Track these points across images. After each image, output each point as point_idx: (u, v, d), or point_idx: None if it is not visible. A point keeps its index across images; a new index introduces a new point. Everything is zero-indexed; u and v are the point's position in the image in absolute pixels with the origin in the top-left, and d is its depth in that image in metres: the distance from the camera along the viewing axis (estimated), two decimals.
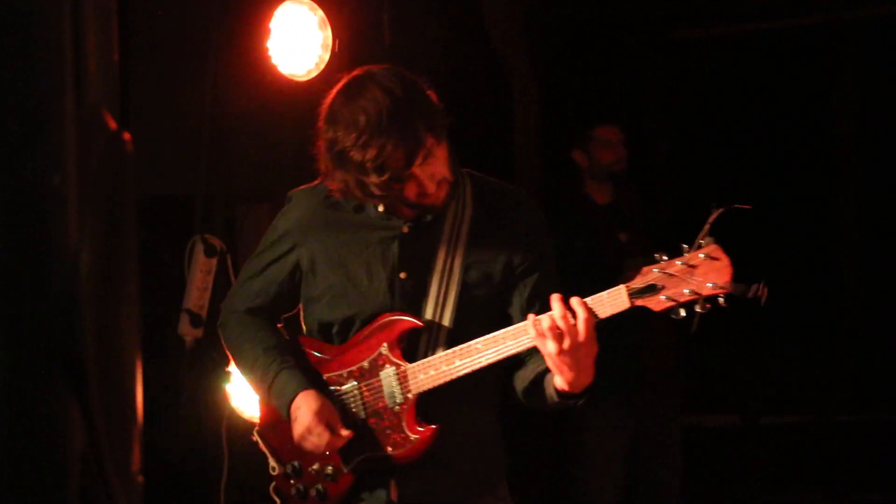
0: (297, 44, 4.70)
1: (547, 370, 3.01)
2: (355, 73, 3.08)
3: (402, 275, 3.16)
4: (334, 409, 3.15)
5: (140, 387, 1.50)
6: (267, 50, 4.67)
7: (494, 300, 3.19)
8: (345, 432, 3.11)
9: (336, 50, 4.75)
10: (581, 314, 2.85)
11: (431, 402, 3.12)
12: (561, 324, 2.86)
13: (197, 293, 4.81)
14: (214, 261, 4.85)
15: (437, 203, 3.08)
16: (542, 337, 2.88)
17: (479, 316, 3.15)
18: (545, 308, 3.05)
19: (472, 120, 6.05)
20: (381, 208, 3.16)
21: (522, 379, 3.16)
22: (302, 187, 3.32)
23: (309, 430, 3.11)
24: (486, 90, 6.57)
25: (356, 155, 2.92)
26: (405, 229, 3.17)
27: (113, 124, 1.43)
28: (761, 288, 2.82)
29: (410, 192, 3.02)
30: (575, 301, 2.88)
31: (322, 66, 4.72)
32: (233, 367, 4.68)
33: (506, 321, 3.14)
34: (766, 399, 7.21)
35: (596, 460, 5.55)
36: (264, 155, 4.96)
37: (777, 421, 7.17)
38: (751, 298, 2.81)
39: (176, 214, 4.95)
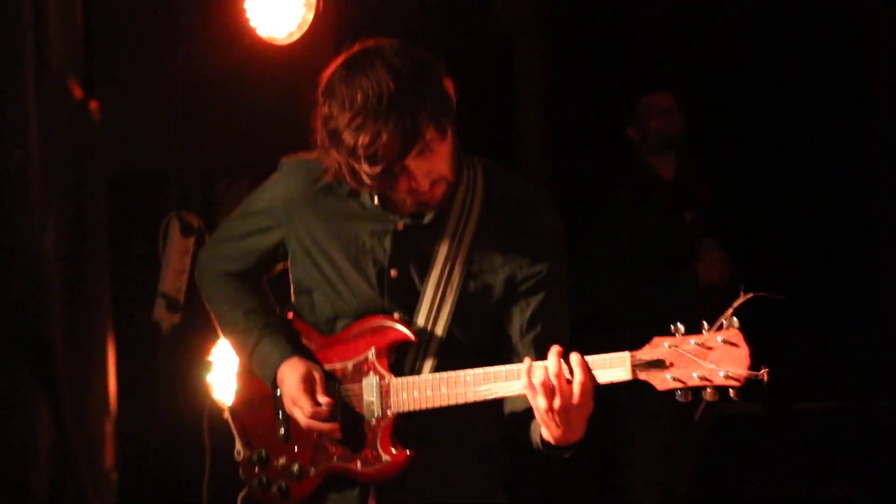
0: (277, 3, 4.70)
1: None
2: (364, 44, 3.00)
3: (393, 272, 3.11)
4: (320, 374, 3.13)
5: (112, 378, 1.50)
6: (244, 11, 4.66)
7: (494, 314, 3.13)
8: (323, 399, 3.08)
9: (320, 10, 4.74)
10: (578, 377, 2.78)
11: (413, 428, 3.08)
12: (555, 382, 2.79)
13: (173, 275, 4.82)
14: (192, 240, 4.85)
15: (431, 202, 3.02)
16: (532, 389, 2.83)
17: (476, 329, 3.11)
18: (546, 331, 3.05)
19: (472, 98, 6.05)
20: (376, 200, 3.11)
21: (511, 408, 3.11)
22: (298, 156, 3.25)
23: (293, 401, 3.11)
24: (487, 58, 6.57)
25: (349, 138, 2.86)
26: (400, 226, 3.11)
27: (78, 93, 1.44)
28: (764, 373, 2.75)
29: (402, 186, 2.95)
30: (575, 360, 2.80)
31: (305, 29, 4.71)
32: (213, 356, 4.70)
33: (502, 338, 3.11)
34: (796, 385, 7.23)
35: (641, 447, 5.60)
36: (243, 125, 4.95)
37: (807, 408, 7.19)
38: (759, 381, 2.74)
39: (149, 191, 4.96)
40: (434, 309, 3.10)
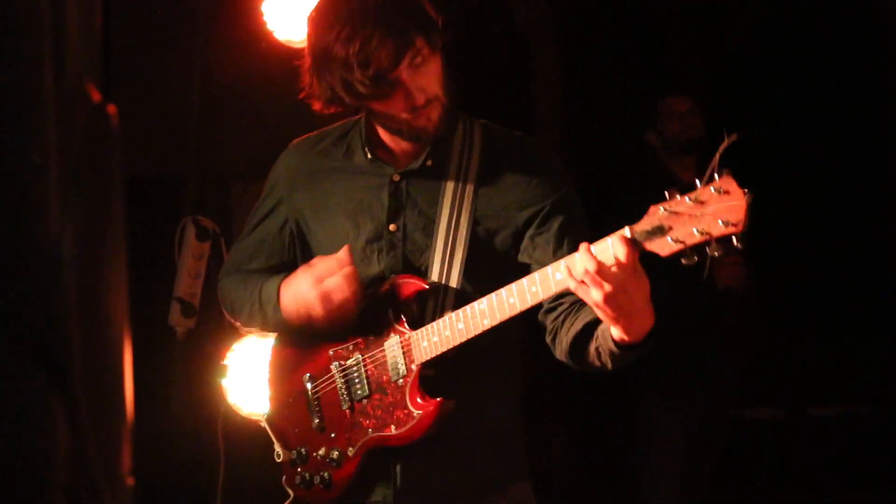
0: (295, 7, 4.70)
1: (596, 320, 2.91)
2: None
3: (392, 227, 3.13)
4: (318, 258, 3.11)
5: (129, 382, 1.50)
6: (262, 14, 4.66)
7: (510, 256, 3.13)
8: (342, 254, 3.03)
9: None
10: (621, 251, 2.69)
11: (442, 379, 3.10)
12: (591, 266, 2.70)
13: (188, 280, 4.83)
14: (207, 245, 4.85)
15: (428, 126, 3.02)
16: (582, 286, 2.73)
17: (493, 275, 3.06)
18: (575, 246, 3.00)
19: (489, 97, 6.05)
20: (369, 155, 3.13)
21: (568, 335, 3.04)
22: (303, 136, 3.33)
23: (317, 279, 3.05)
24: (506, 63, 6.57)
25: (339, 50, 2.90)
26: (396, 177, 3.13)
27: (96, 97, 1.43)
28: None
29: (398, 104, 2.97)
30: (596, 247, 2.73)
31: None
32: (228, 360, 4.70)
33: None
34: (814, 390, 7.21)
35: (661, 445, 5.61)
36: (260, 129, 4.95)
37: (825, 413, 7.17)
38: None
39: (165, 195, 4.96)
40: (446, 259, 3.09)
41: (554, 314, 3.11)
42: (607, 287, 2.71)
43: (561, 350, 3.10)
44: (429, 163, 3.13)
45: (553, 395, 6.54)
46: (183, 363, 4.87)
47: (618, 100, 7.04)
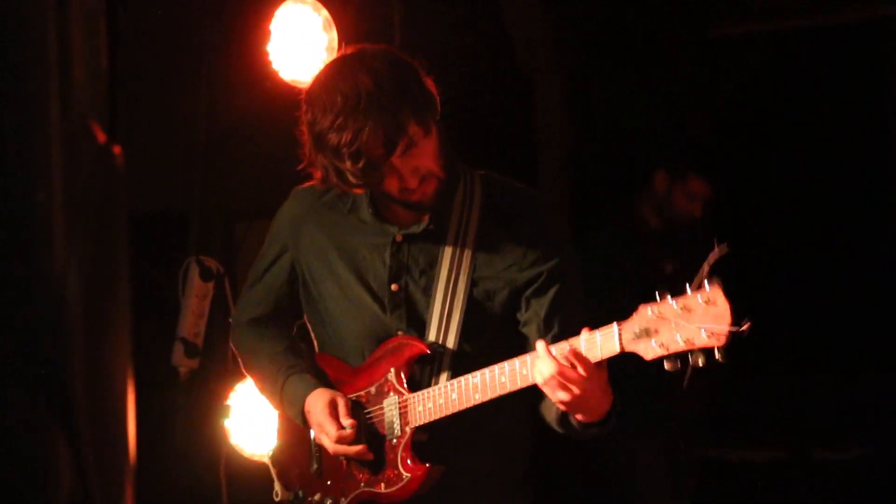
0: (300, 47, 4.71)
1: None
2: (345, 51, 3.08)
3: (394, 287, 3.15)
4: (344, 399, 3.16)
5: (132, 422, 1.50)
6: (267, 54, 4.68)
7: (507, 319, 3.15)
8: (347, 421, 3.11)
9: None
10: (579, 368, 2.79)
11: (433, 444, 3.11)
12: (558, 379, 2.80)
13: (192, 320, 4.82)
14: (211, 285, 4.85)
15: (423, 201, 3.04)
16: (547, 387, 2.85)
17: (490, 337, 3.13)
18: (566, 327, 3.03)
19: (490, 128, 6.06)
20: (370, 210, 3.15)
21: (549, 411, 3.12)
22: (306, 184, 3.32)
23: (320, 427, 3.15)
24: (506, 96, 6.58)
25: (332, 138, 2.90)
26: (398, 237, 3.15)
27: (101, 136, 1.44)
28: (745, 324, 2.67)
29: (391, 185, 2.99)
30: (563, 349, 2.82)
31: None
32: (231, 401, 4.69)
33: (527, 343, 3.11)
34: (817, 431, 7.19)
35: (644, 470, 5.59)
36: (265, 167, 4.96)
37: (829, 455, 7.14)
38: (739, 334, 2.67)
39: (170, 233, 4.96)
40: (444, 320, 3.12)
41: None
42: (569, 395, 2.82)
43: (546, 420, 3.18)
44: (430, 226, 3.14)
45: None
46: (186, 403, 4.86)
47: (621, 132, 7.04)
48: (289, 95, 4.72)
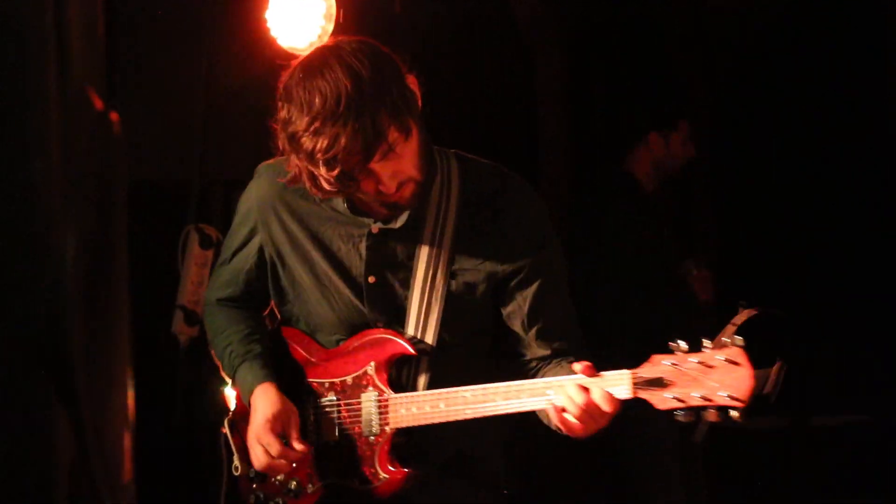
0: (298, 14, 4.70)
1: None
2: (321, 45, 2.98)
3: (371, 279, 3.06)
4: (293, 415, 3.08)
5: (131, 391, 1.50)
6: (265, 21, 4.67)
7: (488, 311, 3.11)
8: (299, 446, 3.04)
9: (341, 20, 4.74)
10: (600, 398, 2.77)
11: (412, 447, 3.05)
12: (576, 413, 2.79)
13: (191, 288, 4.83)
14: (210, 252, 4.85)
15: (401, 202, 2.96)
16: (558, 416, 2.84)
17: (470, 330, 3.09)
18: (550, 323, 3.03)
19: (490, 102, 6.05)
20: (345, 204, 3.05)
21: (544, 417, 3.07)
22: (271, 161, 3.19)
23: (258, 438, 3.06)
24: (508, 67, 6.56)
25: (307, 142, 2.78)
26: (374, 229, 3.05)
27: (99, 104, 1.43)
28: (778, 372, 2.68)
29: (368, 187, 2.89)
30: (581, 397, 2.79)
31: (325, 39, 4.71)
32: None
33: (511, 335, 3.10)
34: (818, 399, 7.20)
35: (653, 453, 5.61)
36: (263, 136, 4.94)
37: (830, 422, 7.16)
38: (766, 396, 2.68)
39: (169, 202, 4.96)
40: (422, 314, 3.06)
41: (527, 361, 3.14)
42: (578, 424, 2.81)
43: None
44: (407, 219, 3.04)
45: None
46: (186, 371, 4.86)
47: (622, 105, 7.03)
48: (287, 63, 4.73)
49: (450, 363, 3.02)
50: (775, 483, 6.94)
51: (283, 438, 3.07)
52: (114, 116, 1.45)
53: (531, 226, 3.09)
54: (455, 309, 3.06)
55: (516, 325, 3.09)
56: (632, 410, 2.85)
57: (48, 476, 1.34)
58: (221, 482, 4.78)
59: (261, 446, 3.07)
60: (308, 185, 2.89)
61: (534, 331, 3.06)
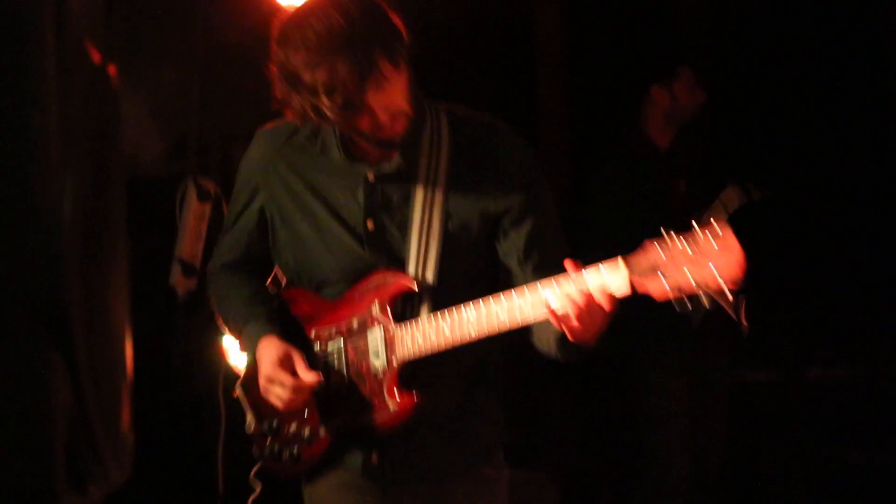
0: None
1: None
2: None
3: (370, 224, 3.15)
4: (298, 354, 3.14)
5: (129, 342, 1.51)
6: None
7: (483, 250, 3.17)
8: (309, 376, 3.10)
9: None
10: (596, 289, 2.80)
11: (419, 376, 3.09)
12: (571, 310, 2.81)
13: (189, 241, 4.83)
14: (208, 206, 4.85)
15: (393, 137, 3.05)
16: (554, 317, 2.84)
17: (468, 269, 3.15)
18: (545, 258, 3.06)
19: (489, 61, 6.04)
20: (339, 150, 3.15)
21: (542, 337, 3.11)
22: (268, 125, 3.32)
23: (270, 379, 3.13)
24: (507, 30, 6.54)
25: (307, 76, 2.92)
26: (370, 176, 3.15)
27: (97, 57, 1.44)
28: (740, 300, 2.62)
29: (364, 123, 3.00)
30: (584, 284, 2.81)
31: None
32: None
33: (506, 273, 3.14)
34: (813, 352, 7.21)
35: (664, 421, 5.62)
36: (261, 90, 4.94)
37: (824, 375, 7.17)
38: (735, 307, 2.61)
39: (167, 155, 4.96)
40: (421, 255, 3.14)
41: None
42: (576, 322, 2.82)
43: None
44: (401, 164, 3.14)
45: (548, 367, 6.56)
46: (184, 323, 4.88)
47: (622, 65, 7.01)
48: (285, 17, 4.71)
49: (450, 303, 3.07)
50: (770, 434, 6.97)
51: (292, 373, 3.13)
52: (111, 70, 1.46)
53: (519, 166, 3.18)
54: (452, 249, 3.13)
55: (513, 264, 3.15)
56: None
57: (44, 423, 1.36)
58: (220, 431, 4.81)
59: (275, 385, 3.14)
60: (313, 116, 2.99)
61: (530, 267, 3.11)
